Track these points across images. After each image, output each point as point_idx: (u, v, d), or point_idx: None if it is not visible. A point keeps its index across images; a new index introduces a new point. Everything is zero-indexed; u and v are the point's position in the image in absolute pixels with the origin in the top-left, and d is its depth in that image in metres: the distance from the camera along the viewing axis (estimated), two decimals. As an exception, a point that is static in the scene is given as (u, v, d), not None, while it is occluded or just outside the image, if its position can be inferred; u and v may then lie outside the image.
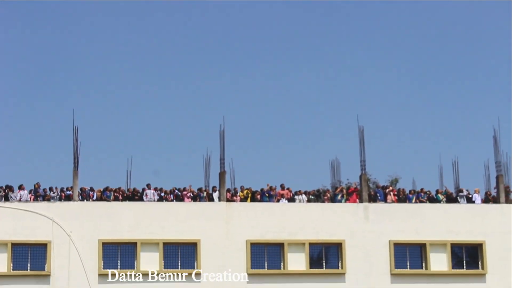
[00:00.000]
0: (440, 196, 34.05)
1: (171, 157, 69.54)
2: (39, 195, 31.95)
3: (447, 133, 69.55)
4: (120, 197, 32.68)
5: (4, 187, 31.77)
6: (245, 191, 33.06)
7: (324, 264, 32.15)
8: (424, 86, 73.33)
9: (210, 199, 32.89)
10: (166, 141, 72.17)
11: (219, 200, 32.42)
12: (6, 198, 31.34)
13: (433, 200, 34.28)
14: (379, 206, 33.13)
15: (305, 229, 31.88)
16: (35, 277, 30.36)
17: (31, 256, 30.85)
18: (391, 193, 34.70)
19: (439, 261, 32.79)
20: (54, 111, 70.36)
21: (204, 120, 69.38)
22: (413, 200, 34.08)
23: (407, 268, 32.43)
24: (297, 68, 74.38)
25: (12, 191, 31.65)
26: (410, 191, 34.80)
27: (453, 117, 71.84)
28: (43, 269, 30.19)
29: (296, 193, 33.67)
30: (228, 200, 32.60)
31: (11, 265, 30.40)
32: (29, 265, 30.73)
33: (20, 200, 31.42)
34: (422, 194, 34.41)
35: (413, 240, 32.51)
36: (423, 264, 32.58)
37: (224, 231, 31.59)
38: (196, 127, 70.60)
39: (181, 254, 31.48)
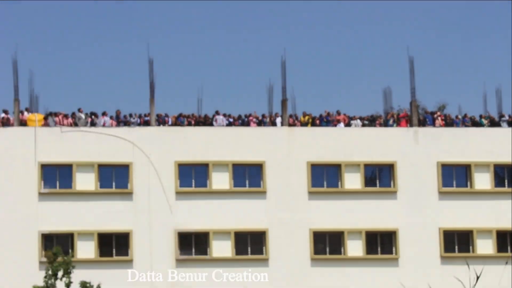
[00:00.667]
0: (484, 121, 36.25)
1: (238, 86, 74.66)
2: (120, 121, 34.75)
3: (491, 62, 72.97)
4: (193, 122, 35.33)
5: (89, 114, 34.70)
6: (306, 117, 35.44)
7: (377, 183, 35.10)
8: (471, 18, 76.56)
9: (274, 124, 35.44)
10: (234, 71, 76.35)
11: (282, 125, 35.12)
12: (92, 124, 34.27)
13: (477, 124, 36.46)
14: (428, 130, 35.70)
15: (360, 151, 34.57)
16: (120, 194, 33.84)
17: (115, 175, 34.29)
18: (439, 118, 37.00)
19: (482, 180, 35.30)
20: (131, 45, 75.01)
21: (267, 52, 72.88)
22: (460, 125, 36.45)
23: (453, 186, 35.14)
24: (352, 3, 77.21)
25: (97, 117, 34.51)
26: (456, 116, 37.03)
27: (497, 47, 74.60)
28: (126, 187, 33.61)
29: (352, 119, 36.06)
30: (290, 125, 35.26)
31: (98, 183, 33.87)
32: (113, 183, 34.19)
33: (104, 126, 34.35)
34: (467, 119, 36.56)
35: (459, 161, 35.04)
36: (468, 183, 35.22)
37: (286, 153, 34.36)
38: (260, 59, 74.56)
39: (248, 174, 34.59)
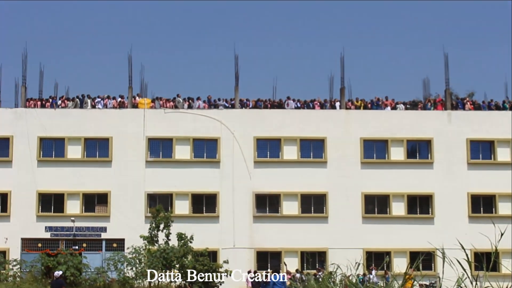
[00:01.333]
0: (506, 105, 39.94)
1: (305, 76, 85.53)
2: (211, 104, 39.30)
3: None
4: (269, 106, 39.71)
5: (187, 98, 39.23)
6: (359, 102, 39.71)
7: (417, 155, 39.03)
8: (493, 20, 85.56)
9: (333, 107, 39.60)
10: (302, 64, 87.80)
11: (340, 108, 39.35)
12: (189, 106, 38.88)
13: (500, 108, 39.94)
14: (459, 112, 39.52)
15: (403, 130, 38.58)
16: (209, 163, 38.57)
17: (206, 148, 38.79)
18: (468, 103, 40.62)
19: (504, 154, 38.72)
20: (221, 44, 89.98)
21: (329, 50, 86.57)
22: (485, 108, 39.99)
23: (479, 158, 38.71)
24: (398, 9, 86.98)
25: (193, 101, 39.05)
26: (482, 101, 40.64)
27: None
28: (215, 157, 38.35)
29: (397, 103, 40.08)
30: (346, 108, 39.46)
31: (193, 154, 38.51)
32: (205, 154, 38.80)
33: (198, 108, 38.98)
34: (493, 103, 40.09)
35: (485, 138, 38.64)
36: (492, 156, 38.79)
37: (343, 130, 38.57)
38: (323, 55, 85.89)
39: (312, 147, 38.89)
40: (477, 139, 39.21)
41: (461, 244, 9.75)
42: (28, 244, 39.14)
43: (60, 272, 25.86)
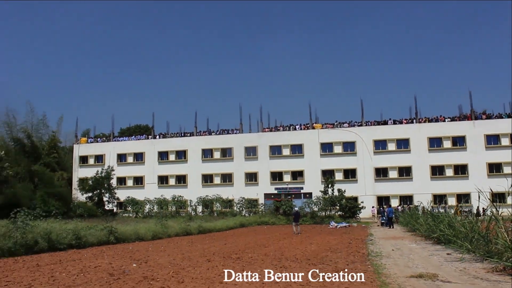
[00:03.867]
0: (506, 116, 51.33)
1: (397, 108, 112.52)
2: (350, 124, 55.69)
3: None
4: (380, 123, 55.64)
5: (339, 122, 56.69)
6: (425, 118, 54.29)
7: (458, 144, 51.84)
8: None
9: (412, 122, 54.89)
10: (394, 103, 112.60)
11: (416, 122, 55.29)
12: (340, 126, 55.71)
13: (502, 117, 51.49)
14: (479, 121, 51.64)
15: (450, 131, 52.01)
16: (350, 154, 54.04)
17: (349, 146, 54.25)
18: (483, 115, 52.66)
19: (505, 141, 50.22)
20: (350, 96, 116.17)
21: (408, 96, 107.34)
22: (494, 117, 52.25)
23: (491, 144, 50.86)
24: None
25: (342, 124, 55.78)
26: (492, 114, 53.28)
27: None
28: (353, 150, 53.98)
29: (446, 118, 53.59)
30: (420, 123, 54.16)
31: (342, 149, 54.22)
32: (348, 149, 54.37)
33: (344, 127, 55.50)
34: (497, 115, 52.23)
35: (494, 133, 50.54)
36: (499, 142, 50.52)
37: (418, 134, 52.92)
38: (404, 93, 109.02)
39: (402, 143, 53.63)
40: (490, 134, 51.41)
41: (491, 189, 15.04)
42: (267, 196, 56.02)
43: (297, 208, 35.40)
